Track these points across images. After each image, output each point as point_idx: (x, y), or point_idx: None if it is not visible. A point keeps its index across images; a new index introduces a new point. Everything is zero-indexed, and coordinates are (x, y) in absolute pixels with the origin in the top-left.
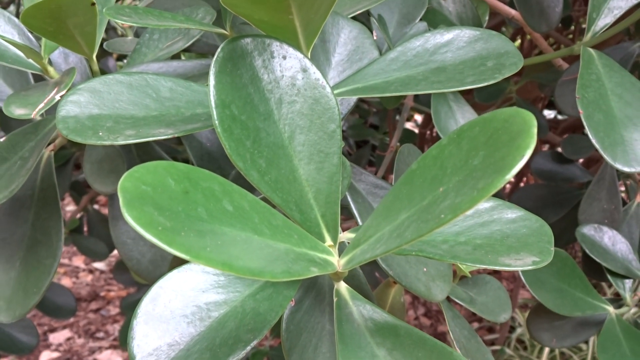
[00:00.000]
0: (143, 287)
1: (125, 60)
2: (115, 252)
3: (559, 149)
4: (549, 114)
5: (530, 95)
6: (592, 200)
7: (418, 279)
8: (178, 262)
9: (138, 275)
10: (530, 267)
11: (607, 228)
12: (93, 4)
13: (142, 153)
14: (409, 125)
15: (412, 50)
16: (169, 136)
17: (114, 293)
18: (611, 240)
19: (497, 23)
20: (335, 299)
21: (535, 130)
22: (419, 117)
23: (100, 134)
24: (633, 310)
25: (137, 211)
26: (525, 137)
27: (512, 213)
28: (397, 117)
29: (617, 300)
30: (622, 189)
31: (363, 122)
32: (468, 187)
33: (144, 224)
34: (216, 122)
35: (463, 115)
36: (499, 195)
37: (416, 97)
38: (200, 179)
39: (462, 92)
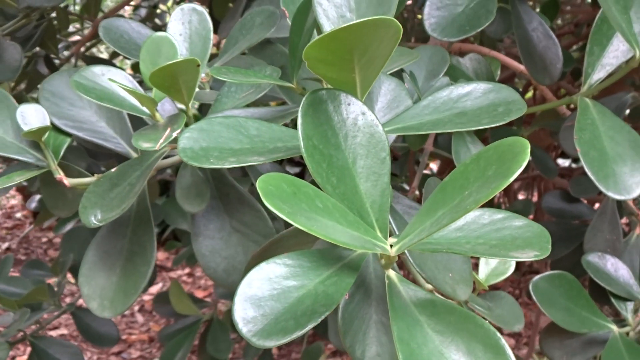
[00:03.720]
0: (180, 319)
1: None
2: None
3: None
4: (563, 162)
5: (543, 143)
6: (596, 232)
7: (445, 282)
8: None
9: (214, 281)
10: (533, 259)
11: (610, 256)
12: (198, 65)
13: (217, 182)
14: (425, 171)
15: (440, 99)
16: (261, 162)
17: (135, 337)
18: (613, 267)
19: (509, 76)
20: (387, 282)
21: (528, 151)
22: (434, 165)
23: (211, 160)
24: (636, 329)
25: (270, 201)
26: (522, 155)
27: (519, 221)
28: (415, 167)
29: (621, 321)
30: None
31: None
32: (485, 188)
33: (277, 209)
34: (302, 149)
35: None
36: None
37: (435, 142)
38: (301, 186)
39: (480, 137)
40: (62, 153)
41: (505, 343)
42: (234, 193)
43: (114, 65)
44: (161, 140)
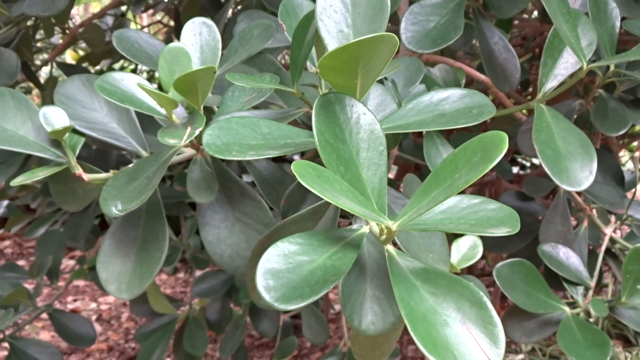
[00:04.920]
0: (156, 318)
1: None
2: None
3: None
4: (512, 169)
5: None
6: (549, 224)
7: (426, 261)
8: (257, 254)
9: (220, 267)
10: (505, 233)
11: (562, 246)
12: (214, 72)
13: (221, 177)
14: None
15: (422, 102)
16: (275, 155)
17: (95, 346)
18: (565, 255)
19: (466, 83)
20: (386, 254)
21: (507, 141)
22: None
23: (234, 153)
24: (586, 310)
25: (305, 181)
26: (503, 144)
27: (493, 205)
28: None
29: (572, 303)
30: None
31: None
32: (473, 171)
33: (310, 187)
34: (317, 143)
35: (447, 153)
36: None
37: (400, 147)
38: (322, 171)
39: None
40: (77, 152)
41: (488, 300)
42: (236, 187)
43: (88, 72)
44: (185, 137)
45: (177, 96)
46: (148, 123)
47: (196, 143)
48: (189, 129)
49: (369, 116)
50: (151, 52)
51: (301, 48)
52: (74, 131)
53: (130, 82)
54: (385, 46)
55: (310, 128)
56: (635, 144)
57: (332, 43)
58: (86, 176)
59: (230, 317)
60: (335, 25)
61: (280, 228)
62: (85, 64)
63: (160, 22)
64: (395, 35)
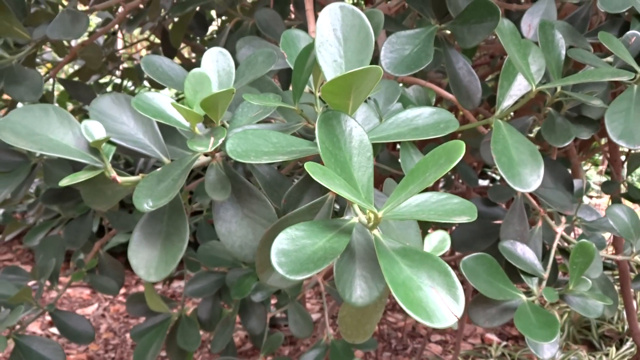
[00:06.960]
0: (151, 317)
1: None
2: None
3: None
4: (482, 182)
5: (466, 160)
6: (508, 224)
7: None
8: (264, 243)
9: (232, 254)
10: (466, 221)
11: (519, 243)
12: (233, 93)
13: (232, 179)
14: None
15: (400, 118)
16: (284, 160)
17: (73, 357)
18: (522, 251)
19: (436, 101)
20: (373, 237)
21: (464, 147)
22: None
23: (251, 157)
24: (540, 297)
25: (317, 177)
26: (460, 150)
27: (456, 200)
28: None
29: (528, 292)
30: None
31: None
32: (439, 170)
33: (321, 181)
34: (320, 150)
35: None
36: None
37: (377, 159)
38: (326, 170)
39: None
40: (110, 158)
41: (452, 270)
42: (244, 188)
43: (87, 87)
44: (210, 145)
45: (201, 112)
46: (166, 135)
47: (212, 151)
48: (212, 139)
49: (359, 129)
50: (172, 75)
51: (302, 73)
52: (108, 141)
53: (160, 101)
54: (372, 75)
55: (307, 138)
56: (600, 157)
57: (328, 70)
58: (119, 179)
59: (220, 315)
60: (330, 56)
61: (282, 222)
62: (75, 79)
63: (147, 39)
64: (380, 68)
